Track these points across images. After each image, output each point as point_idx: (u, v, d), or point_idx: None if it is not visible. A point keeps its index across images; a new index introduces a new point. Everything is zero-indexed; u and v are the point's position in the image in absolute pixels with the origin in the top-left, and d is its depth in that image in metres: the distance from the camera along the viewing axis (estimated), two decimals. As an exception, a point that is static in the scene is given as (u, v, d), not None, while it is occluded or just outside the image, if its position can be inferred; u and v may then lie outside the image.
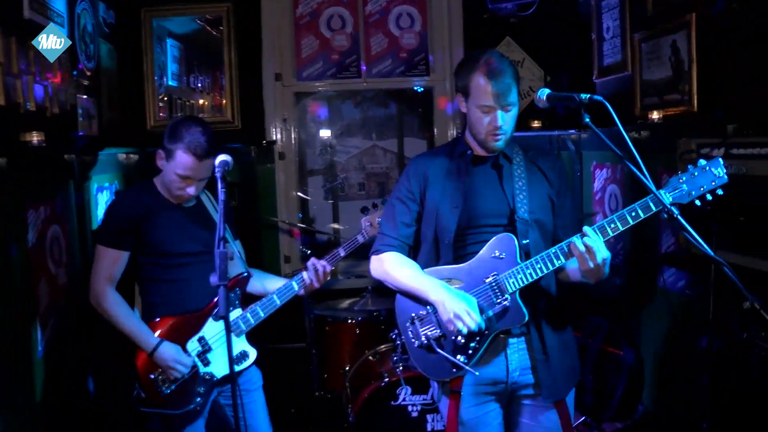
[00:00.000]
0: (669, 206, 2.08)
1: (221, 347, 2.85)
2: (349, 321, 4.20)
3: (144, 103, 4.77)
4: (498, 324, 2.37)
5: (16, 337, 2.78)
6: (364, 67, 5.14)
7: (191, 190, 2.79)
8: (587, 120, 2.18)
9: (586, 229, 2.22)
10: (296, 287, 2.97)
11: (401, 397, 3.60)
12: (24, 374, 2.84)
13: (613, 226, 2.22)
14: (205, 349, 2.84)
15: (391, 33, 5.14)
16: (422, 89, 5.33)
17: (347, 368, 4.08)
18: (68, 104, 3.37)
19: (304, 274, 2.98)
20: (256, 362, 2.98)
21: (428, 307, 2.44)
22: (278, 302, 2.94)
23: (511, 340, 2.43)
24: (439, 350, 2.39)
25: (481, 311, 2.35)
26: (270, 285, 3.05)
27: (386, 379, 3.61)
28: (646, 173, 2.09)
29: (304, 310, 4.30)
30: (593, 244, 2.19)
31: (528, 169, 2.51)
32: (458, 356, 2.37)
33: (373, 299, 4.21)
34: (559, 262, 2.30)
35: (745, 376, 2.63)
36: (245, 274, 2.96)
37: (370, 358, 3.93)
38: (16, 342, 2.78)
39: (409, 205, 2.56)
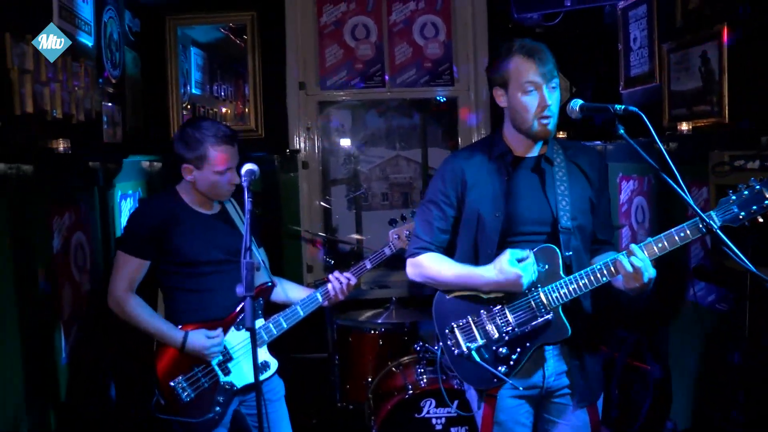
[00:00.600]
0: (717, 229, 2.03)
1: (243, 357, 2.83)
2: (373, 332, 4.17)
3: (168, 110, 4.79)
4: (540, 338, 2.32)
5: (41, 343, 2.79)
6: (388, 77, 5.13)
7: (235, 179, 2.78)
8: (622, 131, 2.12)
9: (632, 247, 2.16)
10: (320, 299, 2.95)
11: (425, 410, 3.55)
12: (50, 380, 2.84)
13: (660, 245, 2.17)
14: (227, 358, 2.82)
15: (416, 42, 5.13)
16: (446, 99, 5.31)
17: (370, 379, 4.04)
18: (93, 112, 3.38)
19: (329, 286, 2.95)
20: (278, 372, 2.95)
21: (469, 316, 2.39)
22: (302, 314, 2.92)
23: (548, 347, 2.39)
24: (480, 361, 2.35)
25: (525, 324, 2.31)
26: (293, 294, 3.04)
27: (410, 392, 3.56)
28: (683, 186, 2.03)
29: (327, 320, 4.27)
30: (640, 264, 2.14)
31: (569, 170, 2.43)
32: (499, 367, 2.34)
33: (397, 310, 4.18)
34: (605, 279, 2.24)
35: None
36: (269, 283, 2.94)
37: (394, 369, 3.89)
38: (41, 348, 2.78)
39: (445, 210, 2.46)
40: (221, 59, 4.94)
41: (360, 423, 4.01)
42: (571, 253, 2.34)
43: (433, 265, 2.45)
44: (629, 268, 2.15)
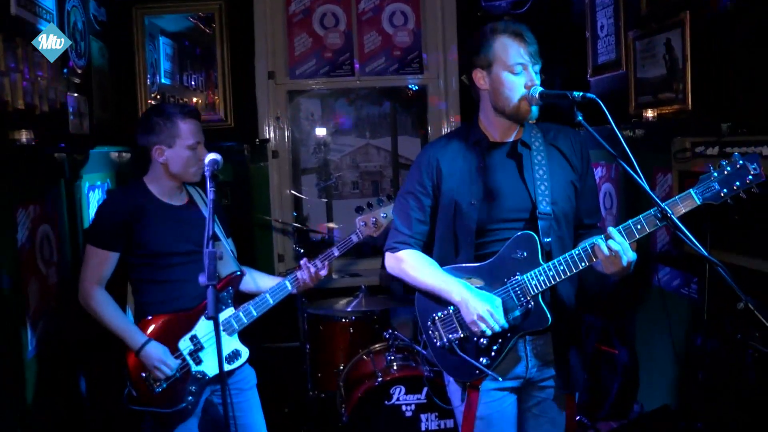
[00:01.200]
0: (671, 215, 2.00)
1: (213, 346, 2.81)
2: (343, 320, 4.17)
3: (136, 101, 4.73)
4: (520, 327, 2.29)
5: (7, 338, 2.75)
6: (358, 65, 5.13)
7: (204, 154, 2.74)
8: (580, 118, 2.08)
9: (610, 230, 2.11)
10: (289, 286, 2.95)
11: (395, 397, 3.57)
12: (15, 374, 2.81)
13: (639, 227, 2.11)
14: (197, 347, 2.81)
15: (385, 31, 5.13)
16: (416, 87, 5.31)
17: (341, 367, 4.05)
18: (58, 102, 3.33)
19: (298, 273, 2.95)
20: (249, 361, 2.95)
21: (450, 307, 2.36)
22: (271, 301, 2.91)
23: (530, 337, 2.36)
24: (461, 353, 2.32)
25: (505, 313, 2.27)
26: (263, 283, 3.03)
27: (380, 379, 3.58)
28: (639, 173, 2.02)
29: (298, 310, 4.27)
30: (617, 248, 2.08)
31: (548, 154, 2.37)
32: (481, 359, 2.32)
33: (366, 299, 4.18)
34: (583, 264, 2.19)
35: (739, 377, 2.61)
36: (237, 272, 2.94)
37: (364, 357, 3.91)
38: (7, 342, 2.75)
39: (422, 200, 2.44)
40: (191, 49, 4.89)
41: (332, 411, 4.02)
42: (550, 239, 2.30)
43: (412, 264, 2.43)
44: (606, 252, 2.10)
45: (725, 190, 2.03)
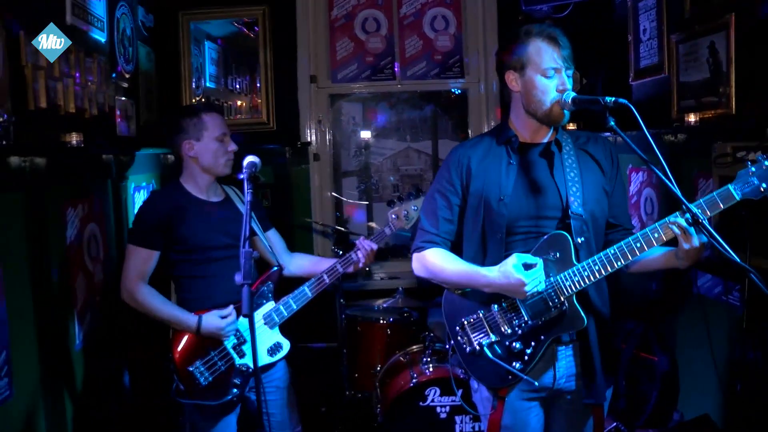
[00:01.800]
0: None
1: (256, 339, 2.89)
2: (381, 321, 4.21)
3: (181, 103, 4.86)
4: (554, 330, 2.26)
5: (56, 330, 2.87)
6: (399, 69, 5.16)
7: (233, 146, 2.92)
8: (612, 123, 2.08)
9: (670, 217, 2.08)
10: (341, 268, 3.03)
11: (430, 398, 3.58)
12: (65, 366, 2.93)
13: (700, 208, 2.03)
14: (240, 341, 2.89)
15: (426, 35, 5.15)
16: (458, 91, 5.32)
17: (378, 368, 4.09)
18: (107, 106, 3.46)
19: (353, 255, 3.05)
20: (287, 359, 3.02)
21: (480, 311, 2.33)
22: (310, 294, 2.98)
23: (560, 347, 2.32)
24: (493, 358, 2.28)
25: (539, 315, 2.25)
26: (318, 266, 3.10)
27: (415, 380, 3.60)
28: (670, 176, 1.98)
29: (336, 310, 4.33)
30: (687, 227, 2.03)
31: (579, 157, 2.36)
32: (514, 363, 2.28)
33: (404, 300, 4.22)
34: (619, 264, 2.16)
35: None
36: (275, 268, 3.01)
37: (401, 358, 3.93)
38: (57, 334, 2.87)
39: (450, 199, 2.41)
40: (236, 53, 5.00)
41: (368, 411, 4.06)
42: (583, 240, 2.27)
43: (436, 262, 2.39)
44: (677, 230, 2.05)
45: (765, 185, 1.99)
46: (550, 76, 2.26)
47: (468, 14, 5.14)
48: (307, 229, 5.13)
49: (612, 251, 2.17)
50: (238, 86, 4.97)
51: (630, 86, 4.35)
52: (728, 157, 3.10)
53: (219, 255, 2.89)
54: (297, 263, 3.20)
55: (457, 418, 3.60)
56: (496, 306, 2.33)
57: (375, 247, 3.08)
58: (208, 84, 4.92)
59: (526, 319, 2.28)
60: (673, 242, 2.16)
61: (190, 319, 2.81)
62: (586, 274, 2.20)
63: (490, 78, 5.11)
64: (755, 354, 2.89)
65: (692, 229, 2.04)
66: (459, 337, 2.38)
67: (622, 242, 2.17)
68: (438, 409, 3.59)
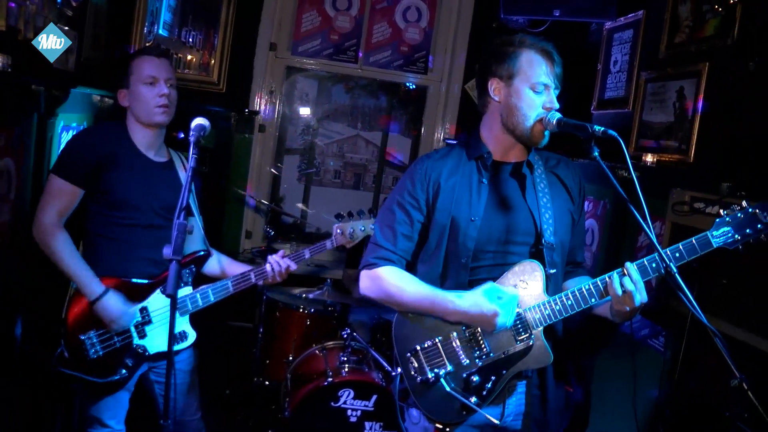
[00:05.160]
0: (675, 273, 1.87)
1: (162, 323, 2.68)
2: (301, 310, 4.05)
3: (130, 47, 4.52)
4: (518, 364, 2.10)
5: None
6: (362, 54, 5.00)
7: (164, 89, 2.67)
8: (596, 154, 1.97)
9: (628, 266, 1.99)
10: (254, 278, 2.81)
11: (342, 400, 3.44)
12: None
13: (654, 265, 2.00)
14: (145, 321, 2.66)
15: (396, 24, 5.01)
16: (416, 87, 5.20)
17: (291, 358, 3.91)
18: (45, 32, 3.12)
19: (267, 267, 2.82)
20: (196, 343, 2.81)
21: (437, 338, 2.15)
22: (232, 290, 2.77)
23: (519, 383, 2.19)
24: (450, 390, 2.10)
25: (503, 347, 2.11)
26: (229, 269, 2.89)
27: (330, 379, 3.44)
28: (650, 224, 1.90)
29: (256, 291, 4.12)
30: (632, 288, 1.95)
31: (550, 181, 2.24)
32: (471, 398, 2.11)
33: (330, 293, 4.04)
34: (593, 300, 2.06)
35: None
36: (203, 252, 2.80)
37: (317, 352, 3.78)
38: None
39: (412, 215, 2.22)
40: (195, 4, 4.67)
41: (275, 401, 3.88)
42: (555, 271, 2.17)
43: (394, 282, 2.18)
44: (619, 291, 1.97)
45: (737, 236, 1.98)
46: (538, 91, 2.13)
47: (442, 11, 5.02)
48: (240, 202, 4.92)
49: (587, 286, 2.07)
50: (191, 40, 4.68)
51: (591, 114, 4.32)
52: (685, 205, 3.07)
53: (144, 220, 2.65)
54: (210, 261, 2.93)
55: (367, 424, 3.46)
56: (455, 333, 2.15)
57: (293, 267, 2.87)
58: (161, 31, 4.59)
59: (488, 350, 2.12)
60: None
61: (94, 287, 2.54)
62: (558, 308, 2.08)
63: (453, 79, 5.00)
64: (674, 402, 2.87)
65: (635, 290, 1.96)
66: (410, 365, 2.17)
67: (597, 279, 2.06)
68: (349, 412, 3.45)
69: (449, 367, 2.13)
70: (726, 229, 1.99)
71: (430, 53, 5.04)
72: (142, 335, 2.65)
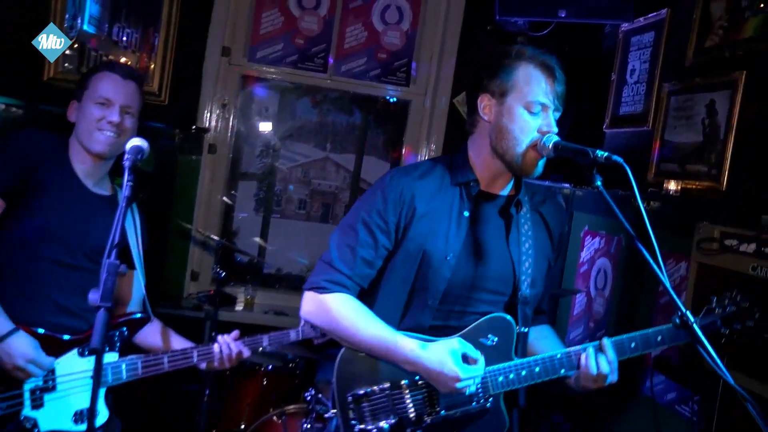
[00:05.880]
0: (698, 332, 1.87)
1: (70, 393, 2.54)
2: (257, 367, 4.00)
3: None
4: (470, 426, 2.19)
5: None
6: (333, 61, 5.03)
7: (115, 116, 2.63)
8: (599, 183, 1.98)
9: (605, 343, 2.14)
10: (196, 359, 2.76)
11: (303, 477, 3.32)
12: None
13: (633, 345, 2.18)
14: (47, 387, 2.50)
15: (373, 26, 5.05)
16: (396, 100, 5.21)
17: (243, 426, 3.84)
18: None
19: (215, 347, 2.79)
20: (136, 394, 2.79)
21: (385, 384, 2.18)
22: (167, 367, 2.72)
23: None
24: None
25: (454, 407, 2.15)
26: (169, 343, 2.84)
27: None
28: (662, 267, 1.89)
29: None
30: (607, 370, 2.13)
31: (534, 221, 2.32)
32: None
33: (291, 346, 3.91)
34: (563, 372, 2.19)
35: None
36: (140, 315, 2.73)
37: (275, 419, 3.72)
38: None
39: (377, 237, 2.21)
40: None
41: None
42: (526, 330, 2.24)
43: (347, 315, 2.19)
44: (594, 370, 2.12)
45: (724, 329, 2.22)
46: (534, 112, 2.15)
47: (428, 11, 5.05)
48: (184, 237, 4.86)
49: (558, 357, 2.18)
50: (125, 39, 4.61)
51: (603, 134, 4.30)
52: (714, 242, 3.02)
53: (67, 259, 2.58)
54: (147, 328, 2.85)
55: None
56: (406, 381, 2.19)
57: (246, 354, 2.85)
58: (85, 27, 4.46)
59: (438, 408, 2.18)
60: None
61: (3, 323, 2.43)
62: (524, 374, 2.18)
63: (440, 92, 5.03)
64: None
65: (609, 370, 2.14)
66: (350, 410, 2.20)
67: (570, 350, 2.19)
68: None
69: (393, 420, 2.16)
70: (714, 320, 2.21)
71: (413, 61, 5.07)
72: (38, 404, 2.48)
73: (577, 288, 4.26)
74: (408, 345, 2.12)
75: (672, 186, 3.48)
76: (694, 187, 3.39)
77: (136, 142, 2.21)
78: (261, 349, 2.93)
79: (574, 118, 4.59)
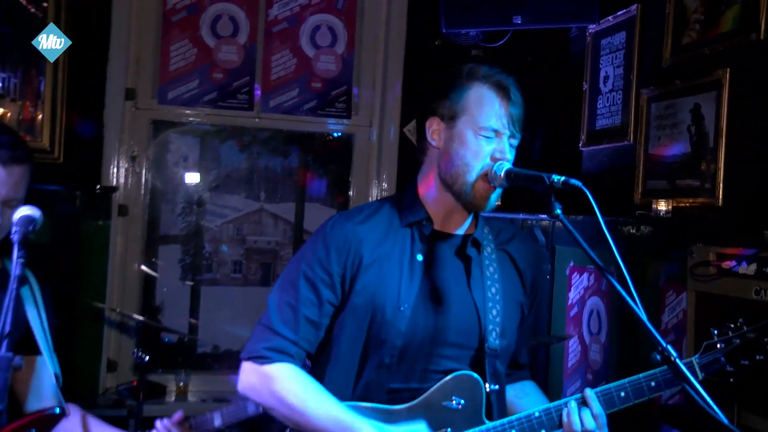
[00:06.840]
0: (689, 376, 1.87)
1: None
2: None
3: None
4: None
5: None
6: (260, 96, 5.06)
7: (12, 213, 2.54)
8: (558, 211, 2.04)
9: (588, 394, 2.18)
10: None
11: None
12: None
13: (623, 395, 2.20)
14: None
15: (303, 52, 5.11)
16: (339, 135, 5.26)
17: None
18: None
19: None
20: None
21: None
22: None
23: None
24: None
25: None
26: None
27: None
28: (637, 301, 1.93)
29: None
30: (592, 426, 2.16)
31: (500, 261, 2.38)
32: None
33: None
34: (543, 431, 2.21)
35: None
36: (57, 410, 2.70)
37: None
38: None
39: (321, 292, 2.26)
40: (7, 33, 4.59)
41: None
42: (497, 387, 2.28)
43: (293, 390, 2.21)
44: (578, 427, 2.15)
45: (730, 367, 2.23)
46: (487, 136, 2.24)
47: (365, 29, 5.14)
48: (96, 319, 4.82)
49: (537, 415, 2.21)
50: (1, 85, 4.59)
51: (580, 152, 4.38)
52: (710, 266, 3.09)
53: None
54: (65, 424, 2.83)
55: None
56: None
57: None
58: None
59: None
60: None
61: None
62: None
63: (387, 121, 5.09)
64: None
65: (595, 427, 2.18)
66: None
67: (551, 405, 2.23)
68: None
69: None
70: (717, 356, 2.24)
71: (353, 87, 5.13)
72: None
73: (568, 333, 4.33)
74: (363, 428, 2.13)
75: (662, 206, 3.55)
76: (687, 205, 3.46)
77: (26, 211, 2.23)
78: (213, 430, 2.92)
79: (544, 137, 4.71)
